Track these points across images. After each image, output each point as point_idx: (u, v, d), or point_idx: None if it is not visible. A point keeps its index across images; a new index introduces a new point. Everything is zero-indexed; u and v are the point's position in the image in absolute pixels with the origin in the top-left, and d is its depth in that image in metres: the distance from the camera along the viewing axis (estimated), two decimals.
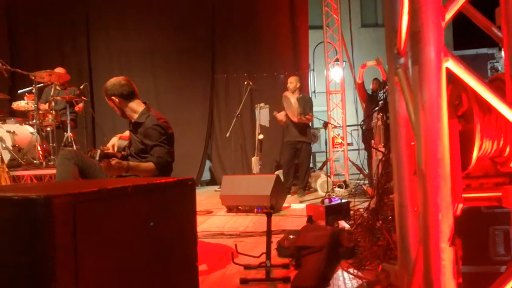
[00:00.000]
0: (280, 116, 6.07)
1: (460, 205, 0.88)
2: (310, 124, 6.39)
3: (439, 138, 0.83)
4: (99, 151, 2.58)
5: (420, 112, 0.85)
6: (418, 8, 0.85)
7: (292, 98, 5.90)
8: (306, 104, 6.04)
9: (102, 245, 0.94)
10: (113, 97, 2.86)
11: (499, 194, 1.01)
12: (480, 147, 0.97)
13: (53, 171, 5.15)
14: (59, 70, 5.91)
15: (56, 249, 0.82)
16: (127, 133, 3.11)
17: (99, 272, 0.92)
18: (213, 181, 8.09)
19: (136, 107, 2.92)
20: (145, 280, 1.05)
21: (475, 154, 0.96)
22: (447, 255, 0.84)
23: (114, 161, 2.61)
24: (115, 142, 3.01)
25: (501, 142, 0.98)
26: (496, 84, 1.05)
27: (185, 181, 1.26)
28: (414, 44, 0.87)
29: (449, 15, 0.86)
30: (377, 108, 4.90)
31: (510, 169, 1.01)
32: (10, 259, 0.85)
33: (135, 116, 2.91)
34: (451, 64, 0.85)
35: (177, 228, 1.21)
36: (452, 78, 1.01)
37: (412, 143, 0.97)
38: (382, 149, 3.66)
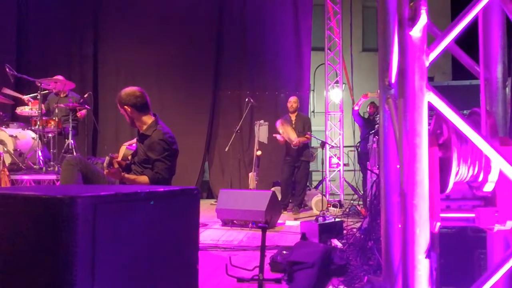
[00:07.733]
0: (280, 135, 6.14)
1: (438, 223, 0.99)
2: (308, 143, 6.52)
3: (419, 162, 0.95)
4: (108, 158, 2.73)
5: (403, 139, 0.96)
6: (405, 48, 0.97)
7: (291, 118, 6.07)
8: (305, 123, 6.19)
9: (116, 243, 1.04)
10: (125, 106, 2.97)
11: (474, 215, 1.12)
12: (457, 173, 1.09)
13: (52, 177, 5.24)
14: (59, 77, 5.95)
15: (77, 244, 0.92)
16: (133, 141, 3.22)
17: (112, 267, 1.02)
18: (209, 195, 8.14)
19: (146, 119, 3.02)
20: (152, 278, 1.15)
21: (451, 179, 1.07)
22: (423, 266, 0.94)
23: (116, 167, 2.80)
24: (122, 151, 3.14)
25: (476, 169, 1.09)
26: (473, 118, 1.17)
27: (191, 190, 1.37)
28: (400, 79, 0.99)
29: (433, 55, 0.99)
30: (373, 131, 5.05)
31: (484, 193, 1.12)
32: (36, 250, 0.95)
33: (144, 127, 3.02)
34: (432, 98, 0.97)
35: (181, 232, 1.32)
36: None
37: (398, 166, 1.08)
38: (377, 171, 3.77)
